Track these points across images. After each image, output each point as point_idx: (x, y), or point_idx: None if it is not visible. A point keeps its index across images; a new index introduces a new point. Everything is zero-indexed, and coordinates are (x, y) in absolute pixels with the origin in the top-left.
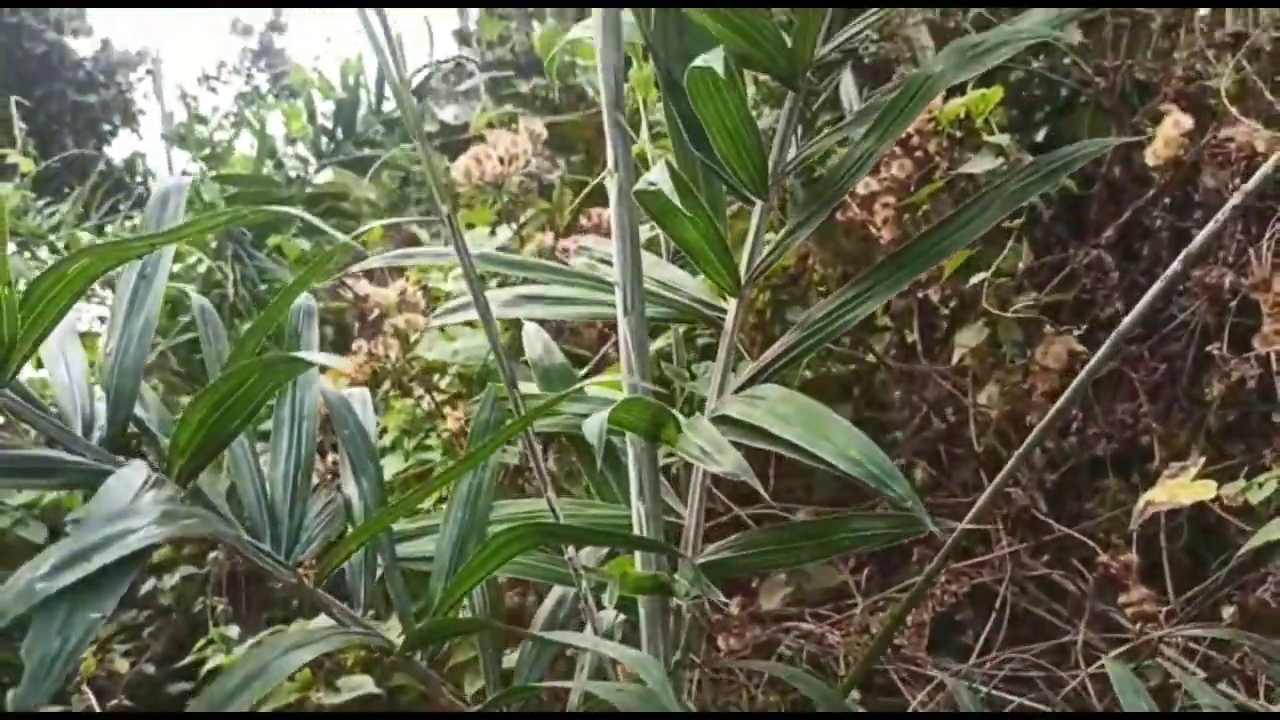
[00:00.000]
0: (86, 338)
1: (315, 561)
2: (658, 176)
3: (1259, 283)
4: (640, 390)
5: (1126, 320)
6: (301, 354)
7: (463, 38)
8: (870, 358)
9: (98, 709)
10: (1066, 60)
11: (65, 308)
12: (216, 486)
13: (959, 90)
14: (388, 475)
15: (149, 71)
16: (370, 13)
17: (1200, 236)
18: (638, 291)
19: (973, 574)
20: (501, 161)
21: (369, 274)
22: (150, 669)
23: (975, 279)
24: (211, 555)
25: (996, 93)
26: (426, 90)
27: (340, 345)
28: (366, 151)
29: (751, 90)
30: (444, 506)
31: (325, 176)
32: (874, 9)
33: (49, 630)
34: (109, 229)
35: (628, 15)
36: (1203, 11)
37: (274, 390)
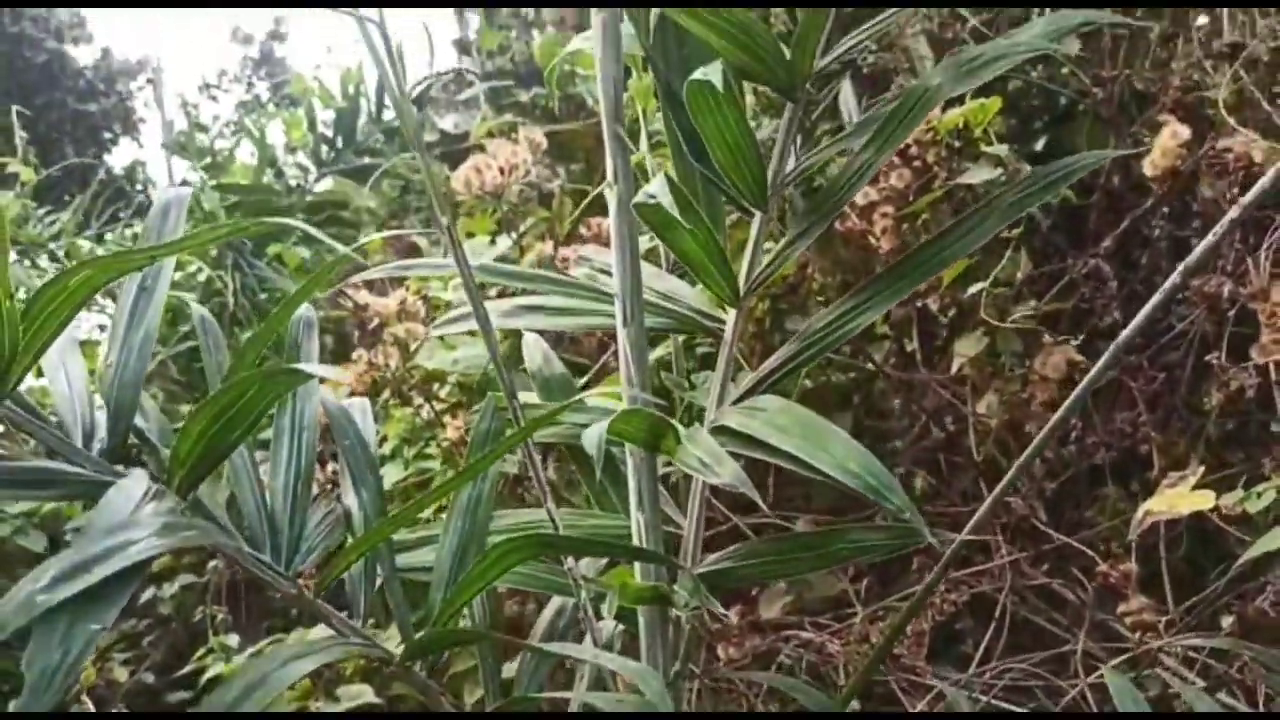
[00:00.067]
0: (85, 346)
1: (315, 572)
2: (657, 189)
3: (1257, 292)
4: (640, 401)
5: (1126, 331)
6: (302, 365)
7: (463, 47)
8: (870, 366)
9: None
10: (1065, 70)
11: (67, 319)
12: (216, 496)
13: (958, 100)
14: (387, 484)
15: (149, 80)
16: (370, 20)
17: (1198, 250)
18: (637, 302)
19: (972, 583)
20: (501, 171)
21: (369, 283)
22: (150, 678)
23: (974, 288)
24: (211, 564)
25: (995, 103)
26: (426, 100)
27: (340, 354)
28: (367, 160)
29: (750, 100)
30: (444, 516)
31: (325, 185)
32: (872, 21)
33: (50, 642)
34: (109, 237)
35: (627, 27)
36: (1200, 21)
37: (274, 401)
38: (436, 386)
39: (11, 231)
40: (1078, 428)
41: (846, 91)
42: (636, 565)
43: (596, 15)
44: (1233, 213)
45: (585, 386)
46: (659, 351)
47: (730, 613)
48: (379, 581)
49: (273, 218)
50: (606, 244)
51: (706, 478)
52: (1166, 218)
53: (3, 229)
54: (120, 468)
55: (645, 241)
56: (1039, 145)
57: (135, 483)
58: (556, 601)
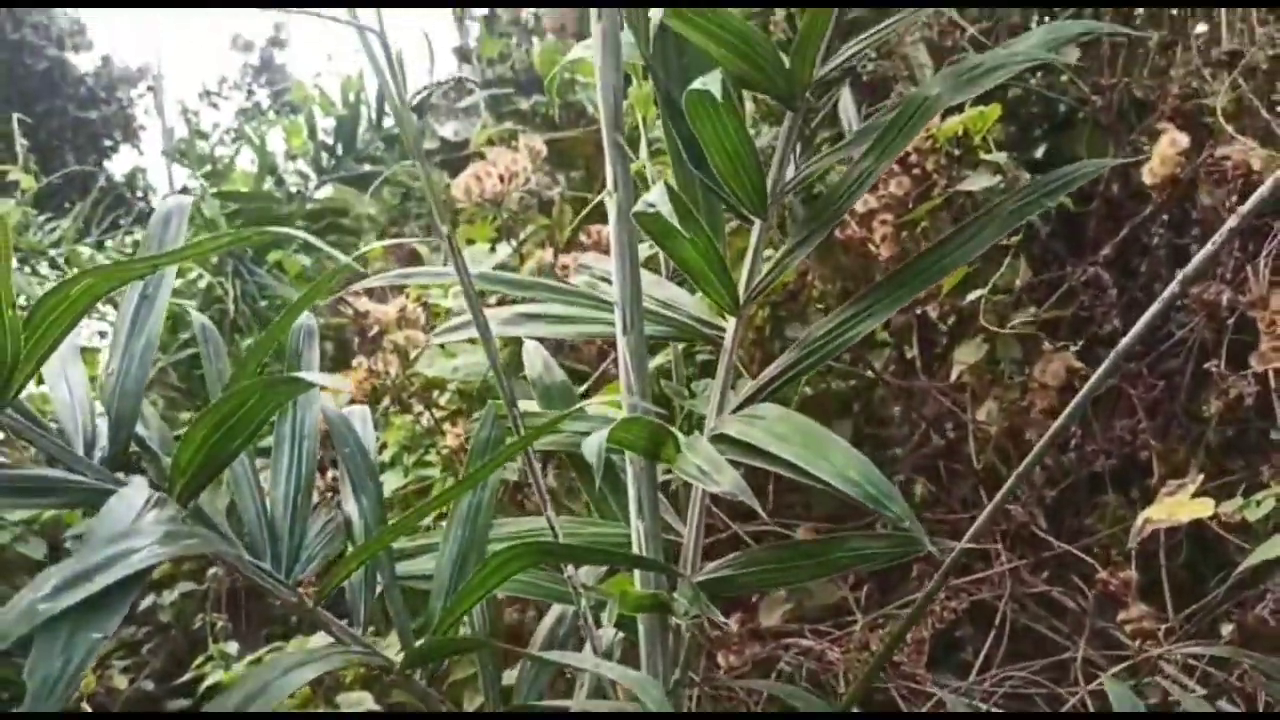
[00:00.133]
0: (86, 353)
1: (315, 579)
2: (656, 197)
3: (1256, 300)
4: (640, 409)
5: (1126, 339)
6: (303, 374)
7: (463, 55)
8: (870, 374)
9: None
10: (1064, 78)
11: (68, 328)
12: (216, 503)
13: (957, 108)
14: (387, 491)
15: (150, 87)
16: (370, 30)
17: (1197, 258)
18: (637, 310)
19: (972, 590)
20: (501, 179)
21: (369, 290)
22: (149, 685)
23: (973, 295)
24: (211, 571)
25: (994, 110)
26: (427, 108)
27: (340, 361)
28: (367, 167)
29: (750, 107)
30: (444, 524)
31: (326, 192)
32: (872, 29)
33: (52, 651)
34: (109, 244)
35: (627, 35)
36: (1199, 30)
37: (275, 410)
38: (436, 394)
39: (12, 239)
40: (1077, 435)
41: (846, 99)
42: (636, 573)
43: (596, 24)
44: (1231, 221)
45: (585, 394)
46: (659, 359)
47: (730, 620)
48: (379, 589)
49: (274, 226)
50: (606, 251)
51: (706, 486)
52: (1166, 225)
53: (6, 240)
54: (121, 475)
55: (645, 249)
56: (1038, 152)
57: (136, 491)
58: (556, 609)
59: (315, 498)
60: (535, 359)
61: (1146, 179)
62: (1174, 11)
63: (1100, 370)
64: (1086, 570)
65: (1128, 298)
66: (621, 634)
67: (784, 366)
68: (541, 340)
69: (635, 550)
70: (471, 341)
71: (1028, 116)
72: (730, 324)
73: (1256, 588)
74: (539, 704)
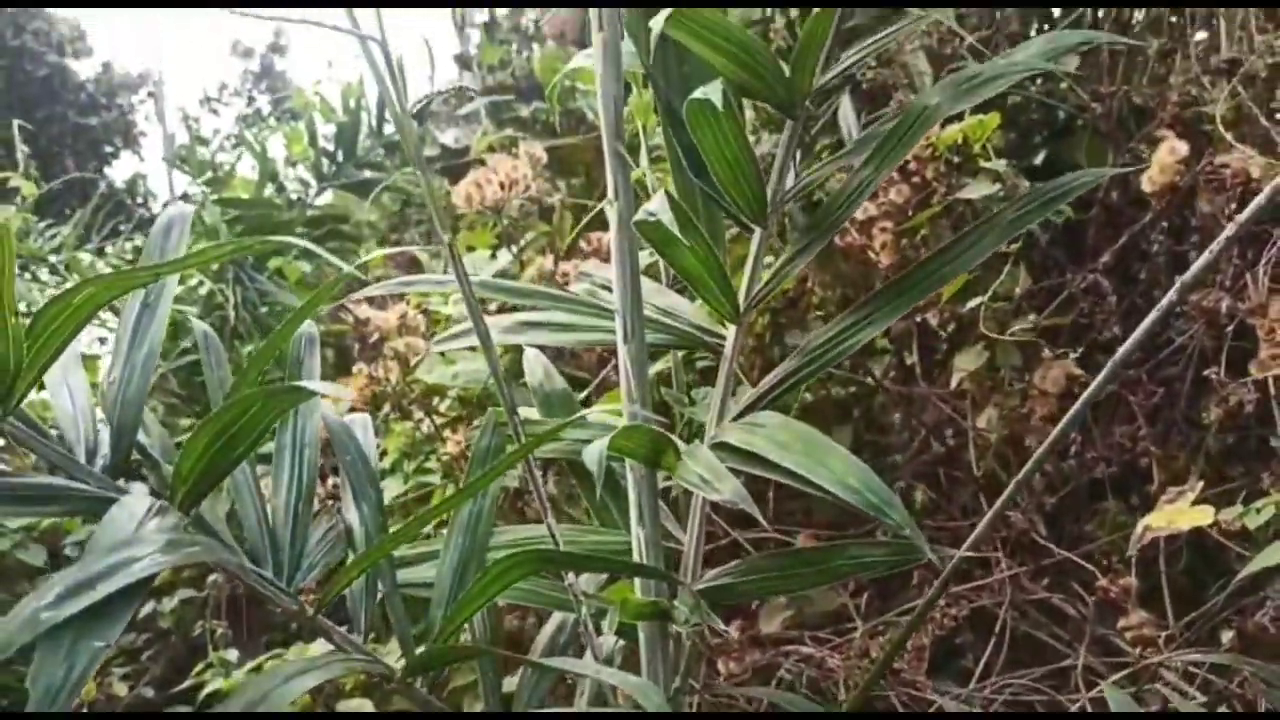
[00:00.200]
0: (87, 360)
1: (316, 587)
2: (657, 205)
3: (1255, 307)
4: (640, 417)
5: (1125, 346)
6: (304, 383)
7: (463, 62)
8: (870, 381)
9: None
10: (1064, 85)
11: (70, 336)
12: (217, 510)
13: (957, 116)
14: (387, 497)
15: (150, 94)
16: (371, 38)
17: (1196, 265)
18: (637, 318)
19: (972, 598)
20: (502, 186)
21: (369, 297)
22: (149, 692)
23: (973, 302)
24: (211, 578)
25: (994, 119)
26: (427, 115)
27: (341, 367)
28: (368, 174)
29: (750, 115)
30: (444, 531)
31: (326, 199)
32: (872, 37)
33: (54, 659)
34: (110, 250)
35: (628, 44)
36: (1198, 37)
37: (276, 419)
38: (437, 401)
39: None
40: (1077, 442)
41: (846, 107)
42: (637, 581)
43: (597, 33)
44: (1230, 229)
45: (585, 401)
46: (659, 366)
47: (730, 628)
48: (380, 596)
49: (274, 232)
50: (607, 259)
51: (707, 494)
52: (1165, 233)
53: (9, 250)
54: (122, 483)
55: (645, 256)
56: (1038, 160)
57: (138, 499)
58: (557, 617)
59: (316, 505)
60: (536, 366)
61: (1146, 186)
62: (1173, 19)
63: (1100, 377)
64: (1087, 577)
65: (1127, 305)
66: (622, 641)
67: (784, 374)
68: (542, 347)
69: (636, 558)
70: (472, 349)
71: (1027, 124)
72: (730, 331)
73: (1257, 595)
74: (540, 711)
